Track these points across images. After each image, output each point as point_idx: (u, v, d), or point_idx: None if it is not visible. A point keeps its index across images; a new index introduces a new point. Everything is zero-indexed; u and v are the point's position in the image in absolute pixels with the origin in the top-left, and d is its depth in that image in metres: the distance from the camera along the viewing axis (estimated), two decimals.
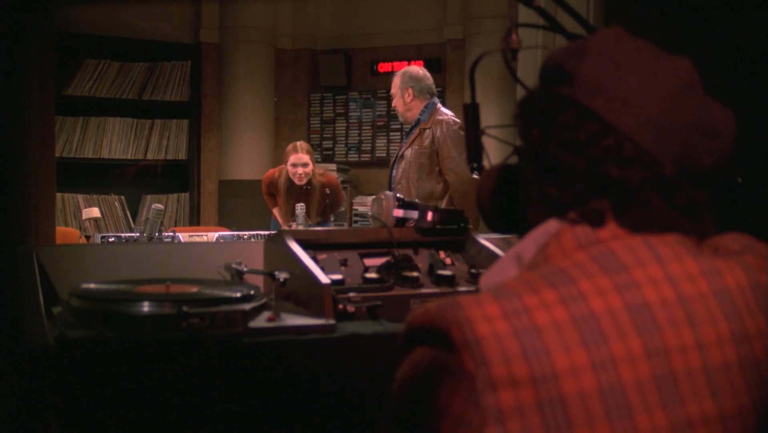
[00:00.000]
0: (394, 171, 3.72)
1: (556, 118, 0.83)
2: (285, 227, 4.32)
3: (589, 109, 0.82)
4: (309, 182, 4.29)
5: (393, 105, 3.83)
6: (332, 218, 4.67)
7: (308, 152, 4.29)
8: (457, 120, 3.62)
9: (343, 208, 5.01)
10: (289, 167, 4.27)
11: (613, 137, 0.80)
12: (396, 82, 3.75)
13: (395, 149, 6.67)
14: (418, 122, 3.66)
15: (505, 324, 0.71)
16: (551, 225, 0.83)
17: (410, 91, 3.67)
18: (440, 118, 3.60)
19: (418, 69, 3.79)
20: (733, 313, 0.78)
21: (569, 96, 0.83)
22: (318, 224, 4.38)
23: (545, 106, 0.85)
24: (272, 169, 4.60)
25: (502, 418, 0.68)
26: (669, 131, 0.81)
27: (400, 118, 3.81)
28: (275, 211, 4.55)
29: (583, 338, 0.72)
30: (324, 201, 4.40)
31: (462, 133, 3.60)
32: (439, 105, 3.71)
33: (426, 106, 3.67)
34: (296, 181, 4.26)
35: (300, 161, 4.25)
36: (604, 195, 0.81)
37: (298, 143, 4.34)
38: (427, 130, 3.59)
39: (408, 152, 3.63)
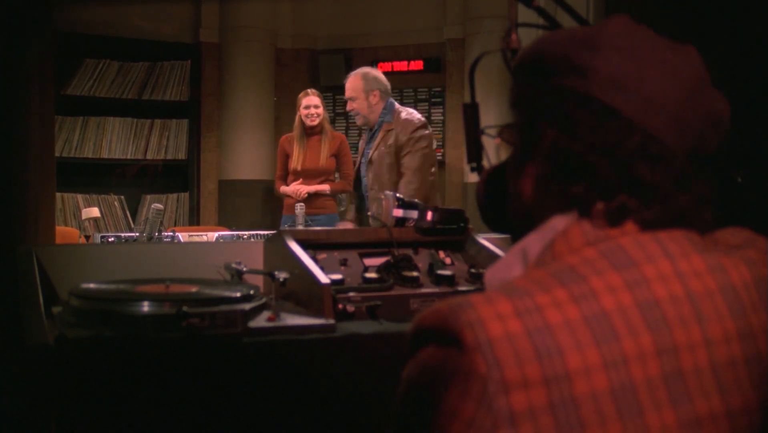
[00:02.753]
0: (364, 176, 3.73)
1: (577, 117, 0.81)
2: (296, 167, 4.61)
3: (610, 106, 0.80)
4: (320, 125, 4.63)
5: (351, 108, 3.79)
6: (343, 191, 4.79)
7: (318, 96, 4.66)
8: (419, 117, 3.69)
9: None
10: (302, 110, 4.62)
11: (638, 136, 0.79)
12: (357, 85, 3.72)
13: None
14: (381, 124, 3.67)
15: (517, 323, 0.70)
16: (557, 222, 0.82)
17: (377, 93, 3.69)
18: (404, 117, 3.65)
19: (376, 70, 3.84)
20: (739, 309, 0.78)
21: (585, 92, 0.81)
22: (334, 190, 4.65)
23: (559, 102, 0.83)
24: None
25: (515, 421, 0.68)
26: (688, 126, 0.81)
27: (360, 121, 3.79)
28: (283, 189, 4.69)
29: (596, 337, 0.71)
30: (335, 147, 4.69)
31: (425, 132, 3.62)
32: (397, 104, 3.75)
33: (385, 107, 3.70)
34: (308, 123, 4.60)
35: (312, 103, 4.60)
36: (633, 193, 0.80)
37: (309, 89, 4.72)
38: (392, 130, 3.62)
39: (375, 155, 3.63)
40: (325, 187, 4.64)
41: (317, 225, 4.28)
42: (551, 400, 0.68)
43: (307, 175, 4.65)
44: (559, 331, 0.71)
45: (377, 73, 3.80)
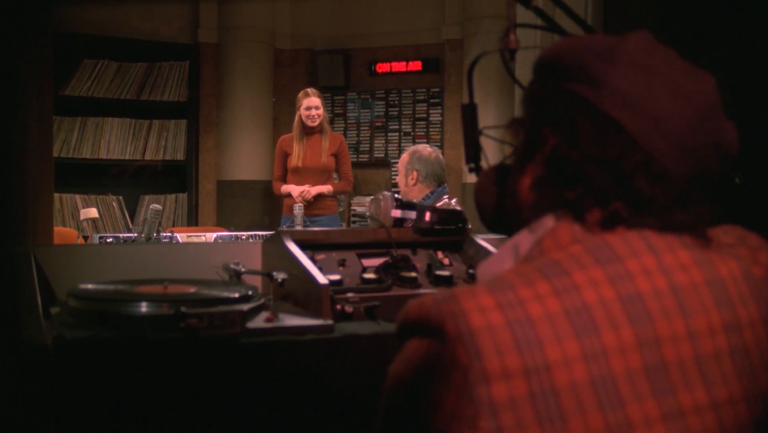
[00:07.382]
0: None
1: (582, 127, 0.82)
2: (297, 164, 4.63)
3: (616, 121, 0.81)
4: (320, 124, 4.70)
5: (396, 180, 3.49)
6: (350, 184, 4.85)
7: (319, 96, 4.73)
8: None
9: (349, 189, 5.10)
10: (303, 110, 4.66)
11: (640, 155, 0.80)
12: (404, 160, 3.37)
13: (393, 150, 6.68)
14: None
15: (499, 315, 0.72)
16: (548, 221, 0.83)
17: (414, 174, 3.30)
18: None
19: (430, 151, 3.35)
20: (726, 301, 0.79)
21: (594, 103, 0.82)
22: (337, 190, 4.71)
23: (566, 108, 0.84)
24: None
25: (495, 411, 0.69)
26: (691, 152, 0.82)
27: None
28: (284, 188, 4.71)
29: (576, 330, 0.72)
30: (335, 146, 4.75)
31: None
32: (446, 197, 3.31)
33: (432, 193, 3.30)
34: (309, 123, 4.65)
35: (313, 104, 4.66)
36: (628, 202, 0.80)
37: (309, 89, 4.75)
38: None
39: None
40: (329, 188, 4.66)
41: (319, 226, 4.28)
42: (531, 390, 0.69)
43: (308, 172, 4.65)
44: (540, 323, 0.72)
45: (428, 154, 3.31)
